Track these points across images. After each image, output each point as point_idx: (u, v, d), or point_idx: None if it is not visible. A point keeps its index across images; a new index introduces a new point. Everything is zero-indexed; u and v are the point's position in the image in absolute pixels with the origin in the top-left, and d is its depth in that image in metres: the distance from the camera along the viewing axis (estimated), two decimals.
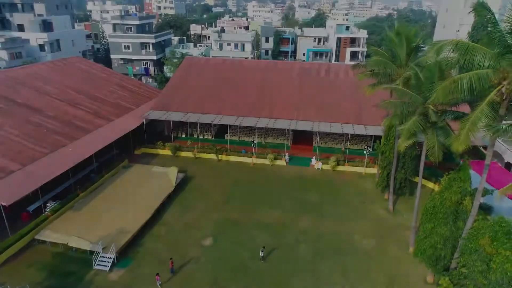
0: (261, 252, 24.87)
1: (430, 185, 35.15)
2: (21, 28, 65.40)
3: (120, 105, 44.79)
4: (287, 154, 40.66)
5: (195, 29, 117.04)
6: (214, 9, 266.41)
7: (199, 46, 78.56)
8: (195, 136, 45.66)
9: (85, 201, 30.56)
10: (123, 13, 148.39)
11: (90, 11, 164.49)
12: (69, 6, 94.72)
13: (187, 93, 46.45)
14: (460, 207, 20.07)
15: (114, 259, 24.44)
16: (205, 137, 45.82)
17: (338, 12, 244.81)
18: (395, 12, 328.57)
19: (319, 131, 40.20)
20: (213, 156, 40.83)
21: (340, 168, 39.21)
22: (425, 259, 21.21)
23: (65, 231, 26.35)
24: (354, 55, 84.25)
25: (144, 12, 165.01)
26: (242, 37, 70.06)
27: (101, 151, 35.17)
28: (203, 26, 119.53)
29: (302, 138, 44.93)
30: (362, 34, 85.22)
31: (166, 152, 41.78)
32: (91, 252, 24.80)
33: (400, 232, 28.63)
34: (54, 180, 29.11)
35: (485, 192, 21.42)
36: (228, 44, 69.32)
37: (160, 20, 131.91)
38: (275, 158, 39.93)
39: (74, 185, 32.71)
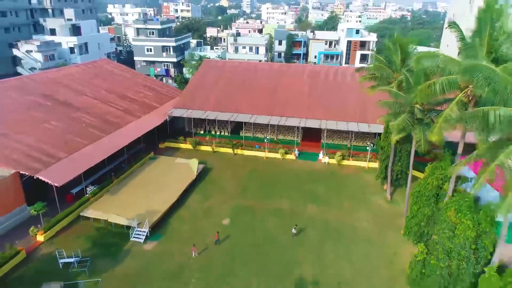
0: (293, 229, 28.98)
1: (422, 176, 38.65)
2: (53, 32, 70.91)
3: (146, 104, 49.47)
4: (296, 149, 44.66)
5: (211, 31, 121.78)
6: (228, 11, 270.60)
7: (216, 48, 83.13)
8: (213, 132, 50.01)
9: (119, 187, 35.16)
10: (141, 16, 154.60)
11: (111, 13, 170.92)
12: (93, 10, 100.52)
13: (206, 93, 50.84)
14: (440, 191, 23.76)
15: (147, 233, 28.85)
16: (222, 133, 50.12)
17: (352, 14, 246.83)
18: (409, 13, 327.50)
19: (326, 128, 44.08)
20: (230, 150, 45.10)
21: (345, 162, 42.98)
22: (411, 236, 24.95)
23: (105, 210, 30.96)
24: (364, 57, 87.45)
25: (162, 15, 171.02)
26: (257, 40, 74.31)
27: (130, 144, 39.75)
28: (218, 29, 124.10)
29: (311, 135, 48.80)
30: (372, 37, 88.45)
31: (187, 146, 46.22)
32: (128, 227, 29.30)
33: (395, 219, 32.31)
34: (92, 168, 33.75)
35: (465, 179, 24.94)
36: (243, 47, 73.65)
37: (178, 23, 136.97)
38: (286, 153, 43.99)
39: (109, 173, 37.36)
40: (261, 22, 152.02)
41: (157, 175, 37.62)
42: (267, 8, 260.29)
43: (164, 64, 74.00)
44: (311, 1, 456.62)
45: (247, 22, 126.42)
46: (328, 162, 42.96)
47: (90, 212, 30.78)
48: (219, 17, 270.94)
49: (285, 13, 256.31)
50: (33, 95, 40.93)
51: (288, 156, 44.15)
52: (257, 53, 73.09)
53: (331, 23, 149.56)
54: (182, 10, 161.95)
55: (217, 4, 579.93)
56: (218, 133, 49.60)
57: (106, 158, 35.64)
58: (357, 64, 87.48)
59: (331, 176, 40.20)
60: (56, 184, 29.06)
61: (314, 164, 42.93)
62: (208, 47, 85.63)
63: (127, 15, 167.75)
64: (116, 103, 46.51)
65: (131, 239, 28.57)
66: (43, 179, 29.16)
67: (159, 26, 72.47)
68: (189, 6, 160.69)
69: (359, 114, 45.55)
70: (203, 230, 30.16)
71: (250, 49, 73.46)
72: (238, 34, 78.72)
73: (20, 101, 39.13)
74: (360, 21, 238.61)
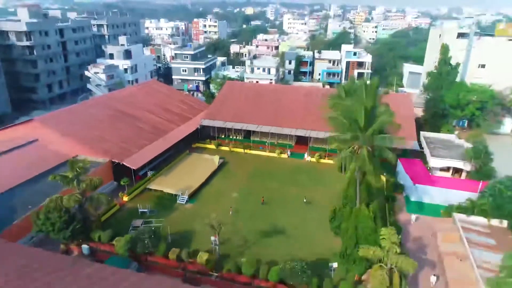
0: (304, 199, 46.99)
1: None
2: (111, 56, 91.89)
3: (183, 115, 68.90)
4: (289, 151, 62.72)
5: (234, 48, 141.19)
6: (253, 22, 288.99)
7: (237, 68, 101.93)
8: (231, 137, 68.67)
9: (168, 172, 54.37)
10: (174, 30, 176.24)
11: (148, 27, 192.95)
12: (138, 32, 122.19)
13: (226, 107, 69.61)
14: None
15: (187, 199, 47.71)
16: (237, 137, 68.70)
17: (368, 24, 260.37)
18: (429, 21, 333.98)
19: (311, 136, 61.87)
20: (241, 150, 63.64)
21: (322, 161, 60.61)
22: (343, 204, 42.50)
23: (160, 184, 50.20)
24: (360, 75, 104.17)
25: (193, 29, 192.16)
26: (268, 63, 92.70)
27: (173, 144, 59.02)
28: (241, 46, 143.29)
29: (302, 140, 66.55)
30: (368, 58, 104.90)
31: (212, 146, 65.09)
32: (175, 195, 48.27)
33: None
34: (150, 160, 53.07)
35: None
36: (258, 68, 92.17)
37: (207, 40, 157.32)
38: (281, 153, 62.14)
39: (162, 162, 56.69)
40: (279, 36, 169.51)
41: (191, 165, 56.72)
42: (288, 19, 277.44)
43: (195, 82, 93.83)
44: (333, 8, 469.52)
45: (266, 40, 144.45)
46: (310, 160, 60.77)
47: (152, 185, 50.16)
48: (244, 26, 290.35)
49: (305, 23, 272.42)
50: (111, 110, 61.14)
51: (283, 155, 62.27)
52: (269, 73, 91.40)
53: (342, 38, 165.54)
54: (210, 26, 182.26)
55: (243, 9, 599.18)
56: (234, 137, 68.26)
57: (160, 152, 55.04)
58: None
59: (310, 170, 57.95)
60: (134, 167, 48.60)
61: (300, 161, 60.79)
62: (231, 66, 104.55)
63: (161, 29, 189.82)
64: (162, 114, 66.19)
65: (177, 201, 47.51)
66: (126, 164, 48.77)
67: (192, 52, 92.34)
68: (216, 22, 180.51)
69: None
70: (220, 198, 48.78)
71: (263, 70, 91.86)
72: (255, 57, 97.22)
73: (104, 113, 59.37)
74: (376, 31, 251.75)
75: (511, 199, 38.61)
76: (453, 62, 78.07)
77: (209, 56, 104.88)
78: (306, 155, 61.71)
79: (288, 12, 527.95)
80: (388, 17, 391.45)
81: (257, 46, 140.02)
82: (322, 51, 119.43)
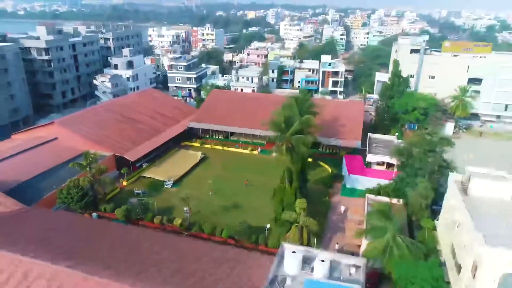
0: (246, 182, 61.07)
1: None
2: (116, 66, 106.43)
3: (174, 118, 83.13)
4: (259, 148, 76.69)
5: (227, 56, 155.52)
6: (251, 28, 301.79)
7: (225, 76, 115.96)
8: (214, 137, 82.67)
9: (159, 164, 68.59)
10: (175, 38, 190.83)
11: (150, 35, 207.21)
12: (139, 43, 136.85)
13: (211, 112, 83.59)
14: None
15: (172, 184, 61.90)
16: (219, 137, 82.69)
17: (361, 31, 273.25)
18: (427, 26, 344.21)
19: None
20: (221, 148, 77.73)
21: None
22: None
23: (153, 173, 64.48)
24: (335, 83, 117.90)
25: (191, 37, 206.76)
26: (251, 73, 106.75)
27: (165, 142, 73.22)
28: (233, 54, 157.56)
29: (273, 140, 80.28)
30: (341, 68, 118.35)
31: (197, 144, 79.14)
32: (163, 181, 62.46)
33: None
34: (146, 154, 67.35)
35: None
36: (242, 77, 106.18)
37: (203, 48, 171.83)
38: (252, 150, 76.15)
39: (156, 156, 70.93)
40: (274, 42, 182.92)
41: (179, 158, 70.96)
42: (285, 25, 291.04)
43: (188, 89, 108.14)
44: (331, 12, 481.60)
45: (257, 49, 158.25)
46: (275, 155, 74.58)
47: (146, 174, 64.47)
48: (244, 30, 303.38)
49: (300, 29, 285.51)
50: (115, 113, 75.62)
51: (254, 152, 76.26)
52: (252, 82, 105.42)
53: (329, 46, 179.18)
54: (207, 34, 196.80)
55: (246, 12, 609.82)
56: (216, 137, 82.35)
57: (153, 148, 69.34)
58: (330, 87, 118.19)
59: (272, 162, 71.76)
60: (132, 160, 62.97)
61: (268, 157, 74.39)
62: (220, 75, 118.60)
63: (163, 36, 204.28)
64: (157, 117, 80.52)
65: (165, 186, 61.66)
66: (126, 157, 63.12)
67: (185, 63, 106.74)
68: (213, 31, 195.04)
69: None
70: (199, 184, 62.88)
71: (247, 78, 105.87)
72: (241, 67, 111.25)
73: (109, 116, 73.86)
74: (367, 38, 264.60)
75: (408, 184, 52.18)
76: (407, 74, 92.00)
77: (201, 66, 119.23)
78: (273, 152, 75.53)
79: (289, 15, 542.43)
80: (384, 22, 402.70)
81: (248, 55, 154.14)
82: (304, 60, 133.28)
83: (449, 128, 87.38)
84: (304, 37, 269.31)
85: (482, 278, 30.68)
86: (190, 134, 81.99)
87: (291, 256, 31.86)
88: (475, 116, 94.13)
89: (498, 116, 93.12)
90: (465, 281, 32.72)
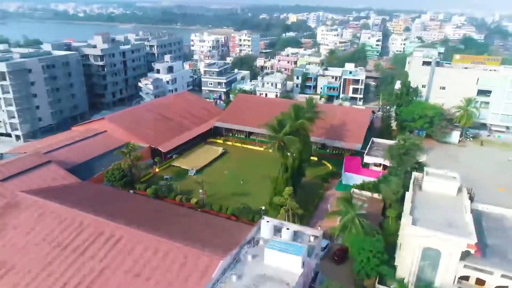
0: (238, 178, 73.08)
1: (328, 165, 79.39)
2: (158, 71, 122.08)
3: (203, 118, 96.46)
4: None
5: (259, 61, 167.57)
6: (289, 34, 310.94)
7: (253, 81, 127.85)
8: (236, 135, 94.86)
9: (186, 155, 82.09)
10: (215, 43, 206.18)
11: (193, 40, 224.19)
12: (181, 49, 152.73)
13: (235, 114, 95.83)
14: None
15: (194, 172, 74.92)
16: (240, 136, 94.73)
17: (397, 37, 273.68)
18: (474, 32, 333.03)
19: None
20: (240, 145, 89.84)
21: None
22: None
23: (180, 163, 77.99)
24: (355, 90, 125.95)
25: (230, 42, 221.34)
26: (275, 79, 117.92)
27: (193, 138, 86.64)
28: (265, 60, 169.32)
29: None
30: (362, 76, 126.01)
31: (220, 141, 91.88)
32: (188, 170, 75.66)
33: None
34: (176, 147, 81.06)
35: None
36: (267, 83, 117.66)
37: (240, 54, 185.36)
38: (266, 148, 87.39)
39: (183, 150, 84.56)
40: (295, 55, 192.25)
41: (203, 152, 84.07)
42: (322, 30, 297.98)
43: (219, 92, 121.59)
44: (373, 16, 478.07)
45: (288, 55, 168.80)
46: None
47: (175, 163, 78.15)
48: (283, 35, 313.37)
49: (337, 34, 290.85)
50: (154, 112, 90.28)
51: (270, 150, 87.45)
52: (276, 87, 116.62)
53: (358, 53, 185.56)
54: (244, 40, 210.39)
55: (289, 15, 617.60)
56: (238, 136, 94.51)
57: (183, 142, 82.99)
58: (350, 94, 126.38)
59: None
60: (164, 151, 76.92)
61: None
62: (248, 80, 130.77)
63: (204, 41, 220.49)
64: (189, 117, 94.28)
65: (188, 174, 74.80)
66: (159, 148, 77.17)
67: (217, 69, 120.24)
68: (249, 37, 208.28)
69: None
70: (216, 174, 75.38)
71: (271, 84, 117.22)
72: (267, 74, 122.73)
73: (149, 114, 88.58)
74: (404, 44, 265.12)
75: (389, 182, 61.03)
76: (419, 84, 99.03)
77: (232, 71, 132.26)
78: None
79: (331, 19, 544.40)
80: (427, 27, 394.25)
81: (279, 61, 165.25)
82: (330, 68, 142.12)
83: (455, 136, 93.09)
84: (340, 42, 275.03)
85: (406, 249, 40.22)
86: (215, 132, 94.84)
87: (265, 224, 43.03)
88: (484, 126, 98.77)
89: (508, 127, 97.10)
90: (398, 253, 42.25)
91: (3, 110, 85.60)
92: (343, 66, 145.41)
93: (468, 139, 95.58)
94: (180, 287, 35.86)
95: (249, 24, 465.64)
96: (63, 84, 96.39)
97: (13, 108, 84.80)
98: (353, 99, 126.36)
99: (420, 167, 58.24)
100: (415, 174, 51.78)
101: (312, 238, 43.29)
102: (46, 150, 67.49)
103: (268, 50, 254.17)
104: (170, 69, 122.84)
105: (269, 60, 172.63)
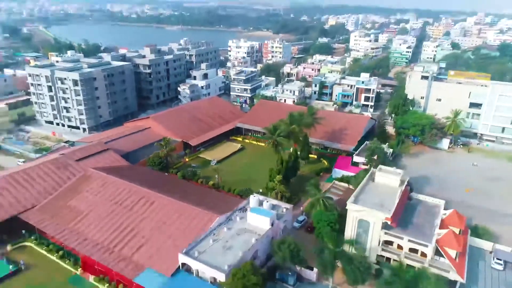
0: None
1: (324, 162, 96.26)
2: (194, 77, 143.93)
3: (228, 119, 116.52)
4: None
5: (286, 69, 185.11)
6: (321, 39, 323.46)
7: (275, 88, 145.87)
8: (254, 135, 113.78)
9: (211, 149, 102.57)
10: (249, 49, 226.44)
11: (230, 45, 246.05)
12: (217, 57, 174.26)
13: (255, 116, 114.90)
14: None
15: (215, 162, 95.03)
16: (257, 135, 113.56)
17: (430, 44, 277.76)
18: (505, 39, 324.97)
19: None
20: (255, 143, 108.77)
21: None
22: None
23: (205, 155, 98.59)
24: (367, 98, 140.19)
25: (263, 49, 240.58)
26: (293, 87, 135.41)
27: (217, 135, 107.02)
28: (292, 66, 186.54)
29: None
30: (373, 86, 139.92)
31: (240, 139, 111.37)
32: (210, 160, 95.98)
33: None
34: (203, 142, 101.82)
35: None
36: (286, 90, 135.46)
37: (269, 61, 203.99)
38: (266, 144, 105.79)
39: (208, 145, 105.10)
40: (330, 57, 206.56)
41: (224, 147, 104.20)
42: (355, 36, 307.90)
43: (244, 97, 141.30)
44: (411, 20, 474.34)
45: (312, 63, 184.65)
46: None
47: (201, 155, 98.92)
48: (318, 40, 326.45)
49: (370, 40, 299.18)
50: (188, 113, 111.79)
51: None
52: (294, 94, 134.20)
53: (382, 62, 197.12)
54: (276, 47, 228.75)
55: (329, 17, 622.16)
56: (255, 135, 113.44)
57: (209, 139, 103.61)
58: (362, 102, 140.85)
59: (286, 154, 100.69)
60: (193, 145, 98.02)
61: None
62: (271, 87, 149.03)
63: (240, 47, 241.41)
64: (216, 118, 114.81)
65: (211, 164, 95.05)
66: (189, 143, 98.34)
67: (244, 77, 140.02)
68: (281, 45, 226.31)
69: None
70: (232, 164, 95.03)
71: (290, 91, 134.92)
72: (288, 81, 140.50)
73: (184, 115, 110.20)
74: (436, 51, 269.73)
75: (359, 176, 76.99)
76: (418, 96, 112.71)
77: (258, 78, 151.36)
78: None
79: (371, 22, 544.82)
80: (467, 32, 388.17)
81: (304, 68, 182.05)
82: (347, 76, 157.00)
83: (445, 143, 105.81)
84: (372, 48, 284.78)
85: (348, 220, 57.28)
86: (237, 131, 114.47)
87: (252, 198, 61.92)
88: (476, 135, 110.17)
89: (497, 137, 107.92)
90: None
91: (74, 109, 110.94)
92: (367, 72, 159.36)
93: (458, 146, 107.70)
94: (190, 231, 55.78)
95: (288, 28, 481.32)
96: (118, 89, 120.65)
97: (82, 108, 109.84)
98: (364, 106, 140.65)
99: (387, 164, 74.05)
100: (372, 169, 68.06)
101: (284, 210, 61.73)
102: (106, 140, 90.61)
103: (300, 56, 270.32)
104: (205, 76, 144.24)
105: (296, 67, 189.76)
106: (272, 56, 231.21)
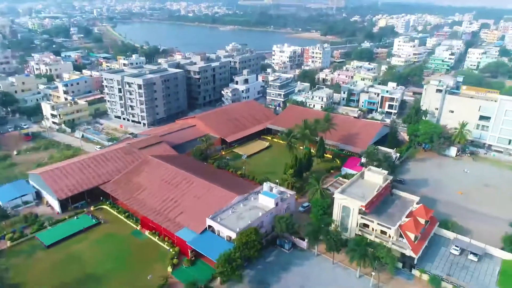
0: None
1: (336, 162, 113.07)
2: (237, 82, 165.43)
3: (260, 121, 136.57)
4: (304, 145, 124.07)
5: (322, 74, 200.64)
6: (363, 44, 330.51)
7: (305, 94, 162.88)
8: (281, 135, 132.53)
9: (243, 145, 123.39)
10: (292, 54, 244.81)
11: (273, 50, 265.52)
12: (258, 63, 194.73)
13: (283, 119, 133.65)
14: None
15: (246, 156, 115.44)
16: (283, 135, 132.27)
17: (474, 50, 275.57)
18: None
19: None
20: (282, 142, 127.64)
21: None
22: None
23: (238, 150, 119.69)
24: (390, 106, 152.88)
25: (304, 53, 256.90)
26: (322, 93, 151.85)
27: (250, 134, 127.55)
28: (326, 73, 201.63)
29: None
30: (397, 95, 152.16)
31: (269, 138, 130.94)
32: (241, 155, 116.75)
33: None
34: (238, 139, 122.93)
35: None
36: (315, 96, 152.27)
37: (303, 68, 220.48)
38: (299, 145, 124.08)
39: (242, 142, 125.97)
40: (368, 63, 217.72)
41: (254, 144, 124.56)
42: (399, 41, 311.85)
43: (278, 101, 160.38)
44: (464, 24, 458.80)
45: (347, 70, 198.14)
46: None
47: (235, 150, 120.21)
48: (362, 45, 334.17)
49: (413, 46, 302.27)
50: (228, 114, 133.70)
51: (300, 147, 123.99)
52: (322, 100, 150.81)
53: (414, 71, 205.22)
54: (316, 53, 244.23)
55: (380, 17, 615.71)
56: (282, 135, 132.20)
57: (243, 136, 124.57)
58: (386, 109, 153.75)
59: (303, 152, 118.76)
60: (228, 141, 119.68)
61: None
62: (303, 92, 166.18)
63: (283, 52, 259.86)
64: (250, 119, 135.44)
65: (242, 157, 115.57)
66: (226, 139, 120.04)
67: (279, 84, 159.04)
68: (321, 50, 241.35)
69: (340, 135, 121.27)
70: (259, 159, 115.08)
71: (318, 97, 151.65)
72: (318, 88, 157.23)
73: (225, 115, 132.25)
74: (481, 58, 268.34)
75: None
76: (433, 107, 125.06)
77: (292, 84, 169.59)
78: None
79: (423, 24, 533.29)
80: None
81: (338, 75, 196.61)
82: (375, 85, 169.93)
83: (452, 151, 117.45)
84: (414, 54, 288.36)
85: (335, 206, 75.02)
86: (267, 131, 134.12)
87: (265, 184, 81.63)
88: (484, 145, 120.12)
89: (505, 148, 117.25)
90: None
91: (138, 107, 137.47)
92: (400, 80, 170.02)
93: (466, 154, 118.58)
94: (216, 204, 76.80)
95: (337, 29, 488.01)
96: (172, 92, 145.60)
97: (143, 107, 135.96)
98: (388, 113, 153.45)
99: (391, 166, 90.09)
100: (364, 169, 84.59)
101: (288, 195, 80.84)
102: (160, 134, 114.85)
103: (341, 60, 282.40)
104: (246, 81, 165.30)
105: (332, 73, 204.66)
106: (312, 61, 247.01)
